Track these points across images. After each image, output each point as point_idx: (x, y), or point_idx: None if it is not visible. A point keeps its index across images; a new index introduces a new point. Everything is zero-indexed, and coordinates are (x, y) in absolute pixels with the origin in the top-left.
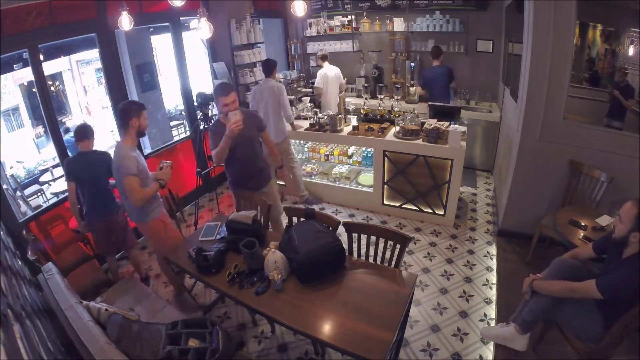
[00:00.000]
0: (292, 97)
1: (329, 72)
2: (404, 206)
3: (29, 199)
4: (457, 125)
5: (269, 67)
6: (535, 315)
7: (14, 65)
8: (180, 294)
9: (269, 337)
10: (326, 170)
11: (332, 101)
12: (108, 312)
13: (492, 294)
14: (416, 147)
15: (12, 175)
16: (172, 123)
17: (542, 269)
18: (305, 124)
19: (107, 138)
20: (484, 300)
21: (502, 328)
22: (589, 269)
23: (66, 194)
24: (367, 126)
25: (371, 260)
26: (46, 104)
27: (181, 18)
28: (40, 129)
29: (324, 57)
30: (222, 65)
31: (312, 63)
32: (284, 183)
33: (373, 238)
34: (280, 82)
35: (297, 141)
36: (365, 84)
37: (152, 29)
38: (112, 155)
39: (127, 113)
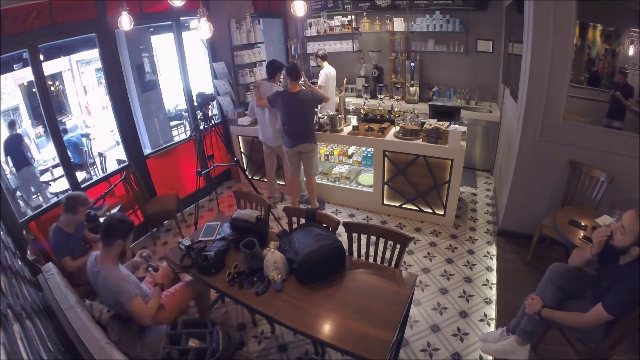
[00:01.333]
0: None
1: (331, 72)
2: (404, 206)
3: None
4: (457, 125)
5: (272, 71)
6: (535, 324)
7: (14, 65)
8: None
9: (269, 337)
10: (326, 170)
11: (333, 101)
12: (109, 314)
13: (492, 294)
14: (416, 147)
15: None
16: (172, 123)
17: (542, 269)
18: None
19: (107, 138)
20: (484, 300)
21: (502, 341)
22: (584, 273)
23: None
24: (367, 126)
25: (371, 260)
26: (46, 104)
27: (181, 18)
28: (40, 129)
29: (325, 57)
30: (222, 65)
31: (312, 63)
32: (283, 183)
33: (373, 238)
34: (279, 82)
35: None
36: (365, 84)
37: (152, 29)
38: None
39: (114, 231)
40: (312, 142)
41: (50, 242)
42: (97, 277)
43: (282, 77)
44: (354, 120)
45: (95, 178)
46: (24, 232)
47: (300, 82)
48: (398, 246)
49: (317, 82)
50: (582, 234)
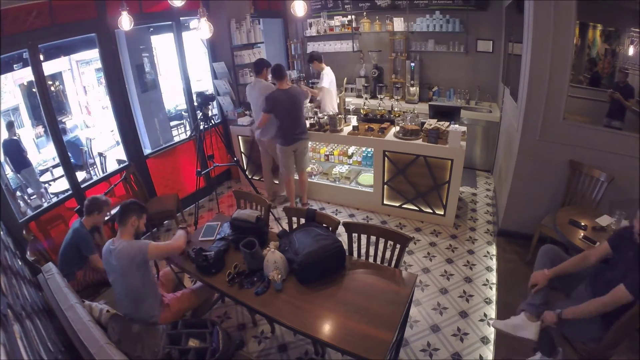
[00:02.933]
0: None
1: (332, 76)
2: (404, 206)
3: (32, 198)
4: (457, 125)
5: (258, 67)
6: (543, 296)
7: (14, 65)
8: None
9: (269, 337)
10: (326, 170)
11: (334, 102)
12: (109, 314)
13: (492, 294)
14: (416, 147)
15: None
16: (172, 123)
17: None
18: (306, 123)
19: (107, 138)
20: (484, 300)
21: (512, 317)
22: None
23: (66, 194)
24: (367, 126)
25: (371, 260)
26: (46, 104)
27: (181, 18)
28: (40, 129)
29: (321, 59)
30: (222, 65)
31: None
32: (277, 182)
33: (373, 238)
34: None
35: None
36: (365, 84)
37: (152, 29)
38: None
39: (127, 209)
40: (307, 138)
41: (75, 241)
42: (110, 256)
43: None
44: (354, 120)
45: (95, 178)
46: (24, 232)
47: (295, 84)
48: (398, 246)
49: (316, 84)
50: (582, 234)
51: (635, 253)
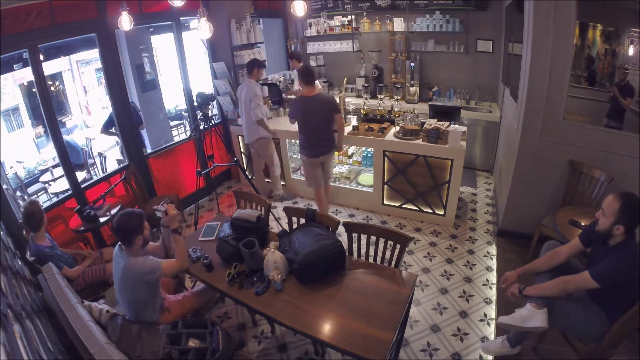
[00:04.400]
0: (293, 96)
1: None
2: (404, 206)
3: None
4: (457, 125)
5: (249, 67)
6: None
7: (14, 65)
8: None
9: (269, 337)
10: None
11: None
12: (109, 314)
13: (492, 294)
14: (416, 147)
15: (15, 174)
16: (172, 123)
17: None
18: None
19: (107, 138)
20: (484, 300)
21: (517, 310)
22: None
23: (66, 194)
24: (367, 126)
25: (371, 260)
26: (46, 104)
27: (181, 18)
28: (40, 129)
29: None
30: (222, 65)
31: (313, 63)
32: (269, 180)
33: (373, 238)
34: (279, 82)
35: (297, 141)
36: (365, 84)
37: (152, 29)
38: None
39: (128, 231)
40: (334, 149)
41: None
42: (119, 259)
43: (263, 74)
44: (354, 120)
45: (95, 178)
46: (24, 232)
47: (297, 88)
48: (398, 246)
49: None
50: None
51: (601, 244)
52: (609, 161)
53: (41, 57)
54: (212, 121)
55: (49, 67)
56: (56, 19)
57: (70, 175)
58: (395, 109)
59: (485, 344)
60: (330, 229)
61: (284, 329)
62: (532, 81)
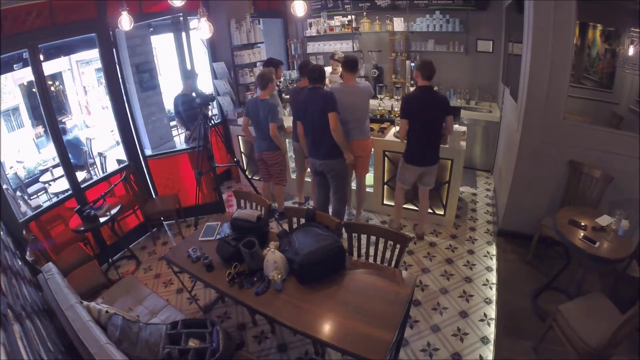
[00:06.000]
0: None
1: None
2: (404, 206)
3: (31, 198)
4: (457, 125)
5: (263, 82)
6: None
7: (14, 65)
8: None
9: (269, 337)
10: None
11: None
12: (109, 314)
13: (492, 294)
14: None
15: (15, 174)
16: (172, 123)
17: (542, 269)
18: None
19: (107, 138)
20: (484, 300)
21: None
22: None
23: (66, 194)
24: None
25: (371, 260)
26: (46, 104)
27: (181, 18)
28: (40, 129)
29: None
30: (222, 65)
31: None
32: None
33: (373, 238)
34: (279, 82)
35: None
36: None
37: (152, 29)
38: None
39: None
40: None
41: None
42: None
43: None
44: None
45: (95, 178)
46: (24, 232)
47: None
48: (398, 246)
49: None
50: (582, 234)
51: None
52: (609, 161)
53: (41, 57)
54: (212, 121)
55: (49, 67)
56: (56, 19)
57: (70, 175)
58: (395, 109)
59: None
60: (330, 229)
61: (284, 329)
62: (532, 81)
